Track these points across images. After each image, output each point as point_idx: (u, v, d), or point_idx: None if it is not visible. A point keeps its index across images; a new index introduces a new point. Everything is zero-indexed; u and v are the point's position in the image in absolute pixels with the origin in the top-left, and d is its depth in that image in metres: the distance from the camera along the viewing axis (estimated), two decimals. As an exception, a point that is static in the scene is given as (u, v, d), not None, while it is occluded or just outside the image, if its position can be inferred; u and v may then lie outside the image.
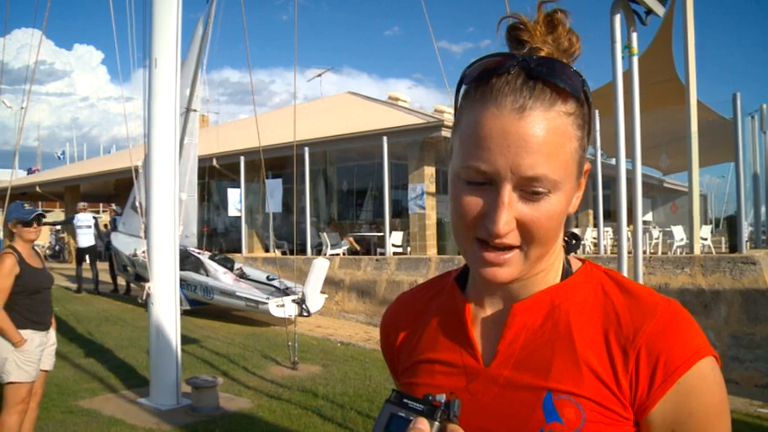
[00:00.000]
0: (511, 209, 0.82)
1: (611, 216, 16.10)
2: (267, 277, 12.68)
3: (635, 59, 4.54)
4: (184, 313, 11.35)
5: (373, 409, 6.29)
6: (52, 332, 4.88)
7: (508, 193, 0.81)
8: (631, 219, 4.76)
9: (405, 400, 0.77)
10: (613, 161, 16.19)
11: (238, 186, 18.14)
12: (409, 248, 16.12)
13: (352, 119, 19.19)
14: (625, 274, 4.49)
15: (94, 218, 15.87)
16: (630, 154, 4.67)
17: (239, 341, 9.79)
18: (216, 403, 6.33)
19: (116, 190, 27.63)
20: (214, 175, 20.36)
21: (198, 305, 12.31)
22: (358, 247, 17.36)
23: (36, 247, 4.97)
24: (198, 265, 12.61)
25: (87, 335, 10.06)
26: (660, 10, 4.36)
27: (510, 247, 0.84)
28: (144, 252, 12.00)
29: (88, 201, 34.27)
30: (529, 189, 0.82)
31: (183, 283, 11.49)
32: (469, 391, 0.91)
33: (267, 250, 18.75)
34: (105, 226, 19.56)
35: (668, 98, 13.15)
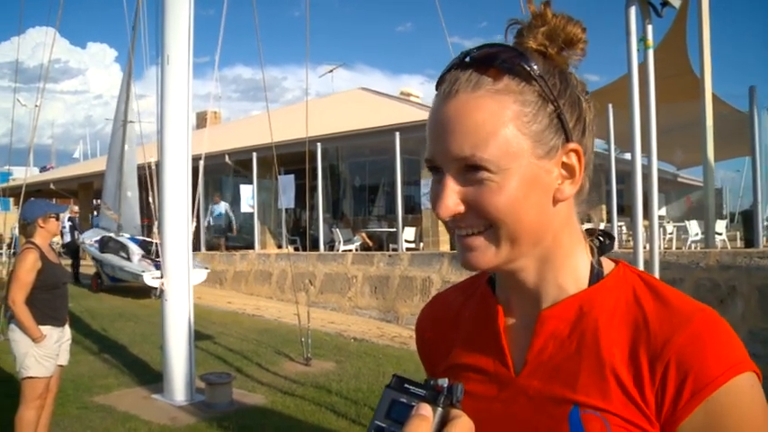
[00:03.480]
0: (452, 192, 0.84)
1: (624, 211, 16.01)
2: None
3: (650, 52, 4.49)
4: (106, 290, 14.82)
5: (387, 405, 6.27)
6: (67, 327, 4.92)
7: (447, 177, 0.84)
8: (646, 214, 4.72)
9: (406, 386, 0.75)
10: (627, 156, 16.12)
11: (251, 183, 18.17)
12: (422, 244, 16.11)
13: (365, 115, 19.18)
14: (641, 269, 4.44)
15: (70, 218, 18.01)
16: (646, 148, 4.62)
17: (252, 337, 9.81)
18: (230, 399, 6.35)
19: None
20: (227, 171, 20.41)
21: (116, 281, 14.76)
22: (370, 243, 17.36)
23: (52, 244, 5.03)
24: (119, 249, 14.65)
25: (101, 331, 10.11)
26: (676, 2, 4.31)
27: (475, 233, 0.85)
28: (92, 241, 15.52)
29: (101, 197, 34.47)
30: (469, 170, 0.83)
31: (103, 264, 14.80)
32: (500, 400, 0.90)
33: (280, 246, 18.79)
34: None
35: (682, 92, 13.05)
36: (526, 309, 0.93)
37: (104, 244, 15.10)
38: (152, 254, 14.33)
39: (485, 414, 0.88)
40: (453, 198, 0.83)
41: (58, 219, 4.87)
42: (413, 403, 0.73)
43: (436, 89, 0.88)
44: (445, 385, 0.73)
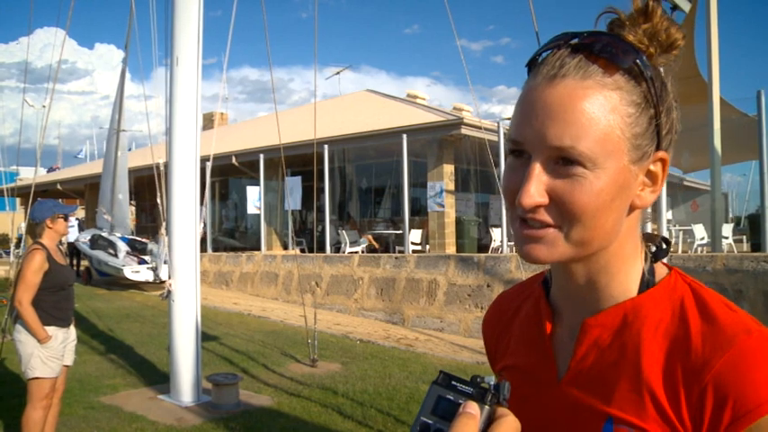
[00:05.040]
0: (539, 181, 0.79)
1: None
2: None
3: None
4: (94, 284, 16.11)
5: (393, 407, 6.29)
6: (72, 328, 4.93)
7: (537, 164, 0.79)
8: (654, 217, 4.72)
9: (453, 383, 0.74)
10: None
11: (258, 184, 18.21)
12: (428, 246, 16.11)
13: (371, 117, 19.19)
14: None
15: (77, 219, 19.98)
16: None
17: (259, 338, 9.82)
18: (236, 400, 6.36)
19: (136, 187, 27.85)
20: (233, 172, 20.45)
21: (103, 276, 16.30)
22: (377, 245, 17.38)
23: (61, 246, 5.04)
24: (107, 246, 16.22)
25: (108, 331, 10.14)
26: (686, 5, 4.32)
27: (547, 225, 0.80)
28: (85, 239, 17.12)
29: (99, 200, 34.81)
30: (561, 162, 0.78)
31: (92, 259, 16.46)
32: (543, 404, 0.90)
33: (286, 248, 18.81)
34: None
35: (690, 95, 13.02)
36: (575, 314, 0.91)
37: (94, 241, 16.66)
38: (139, 251, 16.09)
39: (527, 416, 0.87)
40: (540, 188, 0.79)
41: (66, 219, 4.87)
42: (460, 401, 0.72)
43: (530, 67, 0.84)
44: (492, 383, 0.74)
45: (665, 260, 0.92)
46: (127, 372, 7.68)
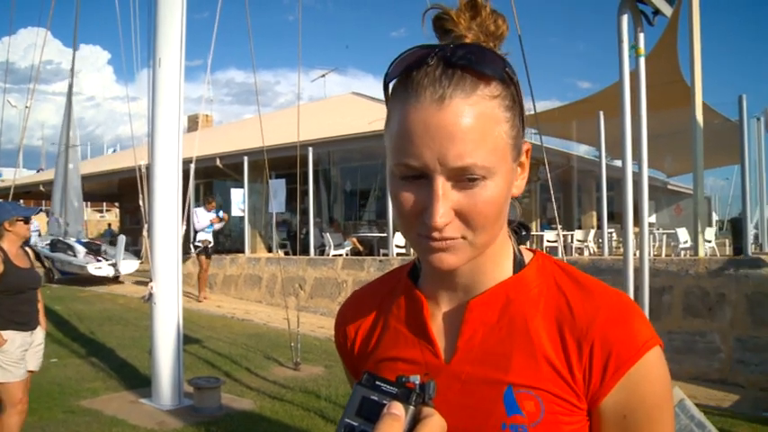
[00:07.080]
0: (446, 200, 0.81)
1: (614, 218, 16.06)
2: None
3: (641, 60, 4.51)
4: (57, 282, 17.36)
5: (376, 410, 6.26)
6: (39, 333, 4.82)
7: (441, 185, 0.81)
8: (637, 221, 4.73)
9: (377, 383, 0.73)
10: (617, 162, 16.18)
11: (242, 186, 18.13)
12: (412, 249, 16.09)
13: (357, 119, 19.16)
14: (631, 276, 4.46)
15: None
16: (636, 155, 4.64)
17: (241, 341, 9.77)
18: (218, 404, 6.32)
19: (120, 189, 27.69)
20: (217, 174, 20.35)
21: (66, 275, 17.77)
22: (361, 248, 17.33)
23: (26, 247, 4.93)
24: (67, 249, 17.70)
25: (89, 334, 10.04)
26: (668, 10, 4.33)
27: (456, 236, 0.84)
28: (44, 243, 18.57)
29: (92, 200, 34.39)
30: (462, 178, 0.81)
31: (54, 261, 17.90)
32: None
33: (270, 250, 18.74)
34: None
35: (673, 99, 13.10)
36: (455, 299, 0.96)
37: (54, 245, 18.15)
38: (95, 252, 17.88)
39: None
40: (447, 206, 0.81)
41: (27, 222, 4.75)
42: (384, 401, 0.72)
43: (399, 84, 0.84)
44: (417, 383, 0.73)
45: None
46: (108, 375, 7.61)
